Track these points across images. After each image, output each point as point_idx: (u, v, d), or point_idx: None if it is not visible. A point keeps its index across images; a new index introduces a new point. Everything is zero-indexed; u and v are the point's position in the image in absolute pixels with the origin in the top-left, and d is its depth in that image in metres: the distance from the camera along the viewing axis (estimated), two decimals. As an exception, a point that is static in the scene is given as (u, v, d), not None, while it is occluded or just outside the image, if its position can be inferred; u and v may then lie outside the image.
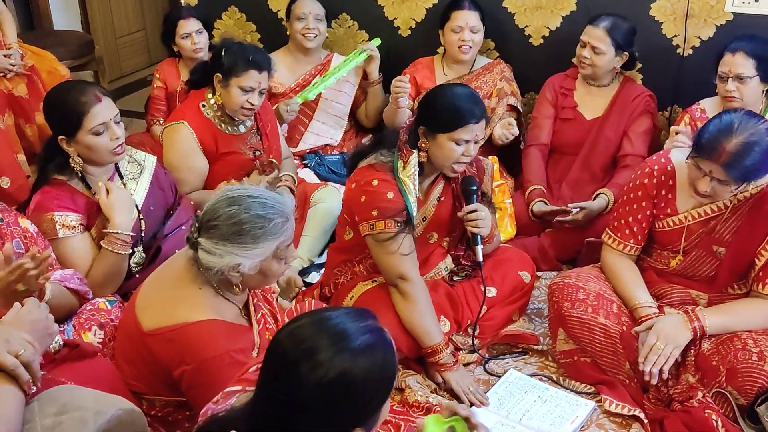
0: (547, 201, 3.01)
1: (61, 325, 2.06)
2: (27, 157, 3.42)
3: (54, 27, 4.55)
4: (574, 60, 3.11)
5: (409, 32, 3.65)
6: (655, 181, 2.28)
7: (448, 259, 2.51)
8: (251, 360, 1.62)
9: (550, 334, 2.47)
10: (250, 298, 1.89)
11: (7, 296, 1.84)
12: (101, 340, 2.07)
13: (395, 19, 3.66)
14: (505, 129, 3.10)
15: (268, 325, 1.90)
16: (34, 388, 1.40)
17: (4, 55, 3.43)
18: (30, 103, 3.53)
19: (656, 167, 2.29)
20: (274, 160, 2.88)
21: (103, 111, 2.24)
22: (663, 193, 2.28)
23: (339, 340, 1.20)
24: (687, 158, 2.13)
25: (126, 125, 4.38)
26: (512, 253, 2.60)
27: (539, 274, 2.82)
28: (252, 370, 1.45)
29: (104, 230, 2.28)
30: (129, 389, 1.79)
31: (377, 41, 3.52)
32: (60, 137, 2.27)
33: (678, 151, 2.35)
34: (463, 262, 2.50)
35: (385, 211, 2.24)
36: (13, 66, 3.44)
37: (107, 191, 2.29)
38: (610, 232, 2.39)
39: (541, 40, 3.44)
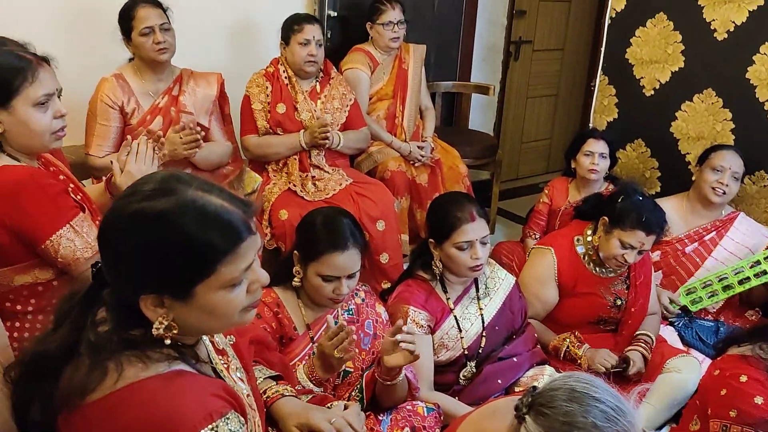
0: None
1: (381, 415, 2.16)
2: (409, 239, 3.74)
3: (469, 126, 4.95)
4: None
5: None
6: None
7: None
8: None
9: None
10: None
11: (326, 364, 2.01)
12: (409, 444, 2.12)
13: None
14: None
15: None
16: None
17: (419, 146, 3.83)
18: (427, 192, 3.85)
19: None
20: None
21: (472, 231, 2.33)
22: None
23: None
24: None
25: (508, 226, 4.63)
26: None
27: None
28: None
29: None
30: None
31: None
32: (430, 240, 2.43)
33: None
34: None
35: (745, 417, 1.89)
36: (423, 157, 3.82)
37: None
38: None
39: None
